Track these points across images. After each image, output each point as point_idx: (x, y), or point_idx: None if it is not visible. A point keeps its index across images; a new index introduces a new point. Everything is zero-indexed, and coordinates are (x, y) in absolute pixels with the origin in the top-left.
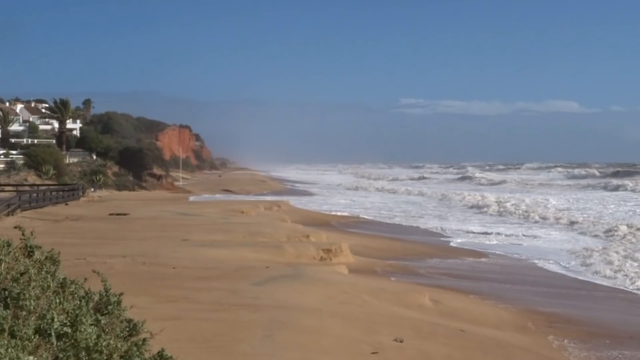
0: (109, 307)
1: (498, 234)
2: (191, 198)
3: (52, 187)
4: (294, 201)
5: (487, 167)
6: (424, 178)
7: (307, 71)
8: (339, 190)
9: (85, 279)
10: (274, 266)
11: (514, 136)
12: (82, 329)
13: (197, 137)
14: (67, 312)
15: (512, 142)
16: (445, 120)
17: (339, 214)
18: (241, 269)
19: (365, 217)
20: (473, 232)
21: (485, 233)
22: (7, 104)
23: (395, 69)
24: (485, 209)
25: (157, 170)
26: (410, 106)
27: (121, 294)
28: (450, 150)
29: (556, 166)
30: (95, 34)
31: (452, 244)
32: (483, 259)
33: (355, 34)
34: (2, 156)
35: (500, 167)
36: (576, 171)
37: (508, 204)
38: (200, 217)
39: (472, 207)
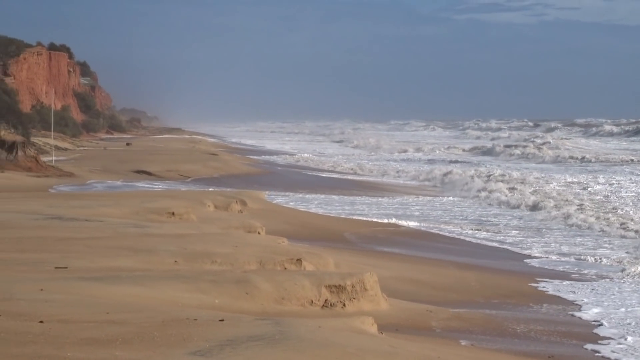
0: None
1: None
2: (72, 187)
3: None
4: (273, 193)
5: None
6: (512, 148)
7: None
8: (352, 168)
9: None
10: (234, 319)
11: None
12: None
13: (85, 70)
14: None
15: None
16: (560, 34)
17: (356, 217)
18: (171, 323)
19: (407, 223)
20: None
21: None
22: None
23: None
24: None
25: (6, 134)
26: (489, 7)
27: None
28: (570, 97)
29: None
30: None
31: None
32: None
33: None
34: None
35: None
36: None
37: None
38: (92, 225)
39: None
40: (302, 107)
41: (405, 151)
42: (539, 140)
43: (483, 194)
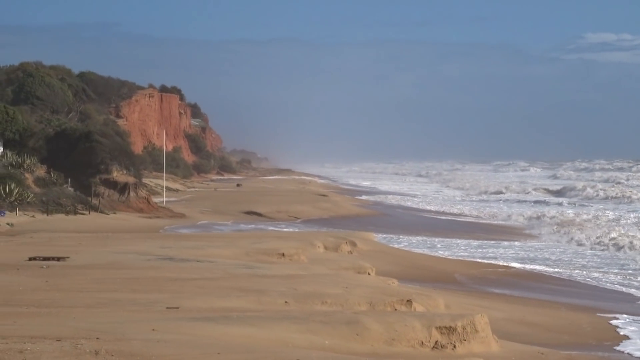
0: None
1: None
2: (183, 229)
3: None
4: (382, 235)
5: None
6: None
7: None
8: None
9: None
10: None
11: None
12: None
13: (196, 111)
14: None
15: None
16: None
17: (467, 259)
18: None
19: (521, 266)
20: None
21: None
22: None
23: None
24: None
25: (119, 175)
26: (600, 47)
27: None
28: None
29: None
30: None
31: None
32: None
33: None
34: None
35: None
36: None
37: None
38: (203, 265)
39: None
40: (408, 147)
41: (499, 192)
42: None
43: (579, 235)
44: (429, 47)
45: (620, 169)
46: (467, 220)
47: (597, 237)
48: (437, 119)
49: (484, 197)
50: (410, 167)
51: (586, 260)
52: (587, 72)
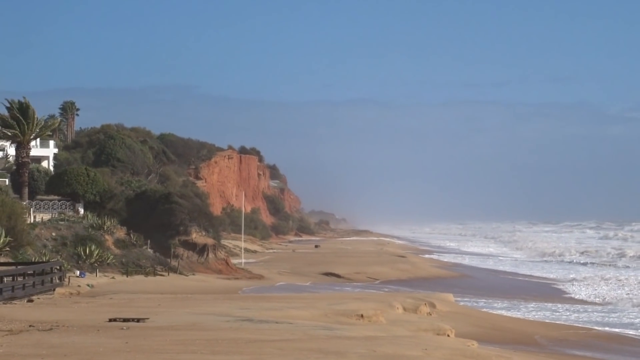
0: None
1: None
2: (262, 289)
3: (3, 268)
4: (462, 296)
5: None
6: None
7: (469, 50)
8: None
9: None
10: None
11: None
12: None
13: (274, 173)
14: None
15: None
16: None
17: (546, 320)
18: None
19: (601, 328)
20: None
21: None
22: None
23: None
24: None
25: (197, 237)
26: None
27: None
28: None
29: None
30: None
31: None
32: None
33: None
34: None
35: None
36: None
37: None
38: (282, 327)
39: None
40: (483, 208)
41: (561, 254)
42: None
43: None
44: (505, 107)
45: None
46: (540, 281)
47: None
48: (513, 179)
49: (548, 258)
50: (481, 228)
51: None
52: None
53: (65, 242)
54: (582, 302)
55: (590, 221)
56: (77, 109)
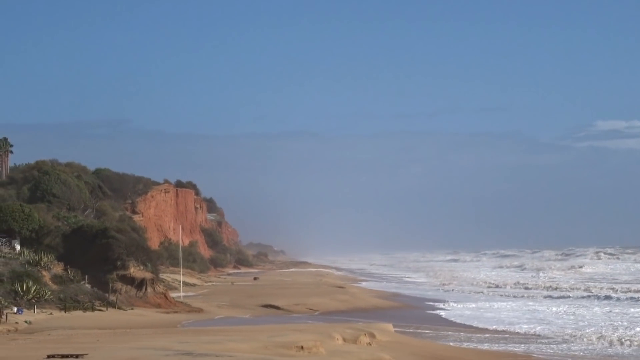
0: None
1: None
2: (201, 322)
3: None
4: (401, 327)
5: None
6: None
7: (401, 81)
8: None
9: None
10: None
11: None
12: None
13: (211, 206)
14: None
15: None
16: None
17: (487, 347)
18: None
19: (540, 356)
20: None
21: None
22: None
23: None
24: None
25: (135, 271)
26: (610, 134)
27: None
28: None
29: None
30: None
31: None
32: None
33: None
34: None
35: None
36: None
37: None
38: None
39: None
40: (412, 237)
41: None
42: None
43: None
44: (438, 137)
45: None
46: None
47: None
48: (445, 208)
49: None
50: (407, 257)
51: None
52: (598, 159)
53: (2, 278)
54: (503, 332)
55: (528, 248)
56: (11, 145)
